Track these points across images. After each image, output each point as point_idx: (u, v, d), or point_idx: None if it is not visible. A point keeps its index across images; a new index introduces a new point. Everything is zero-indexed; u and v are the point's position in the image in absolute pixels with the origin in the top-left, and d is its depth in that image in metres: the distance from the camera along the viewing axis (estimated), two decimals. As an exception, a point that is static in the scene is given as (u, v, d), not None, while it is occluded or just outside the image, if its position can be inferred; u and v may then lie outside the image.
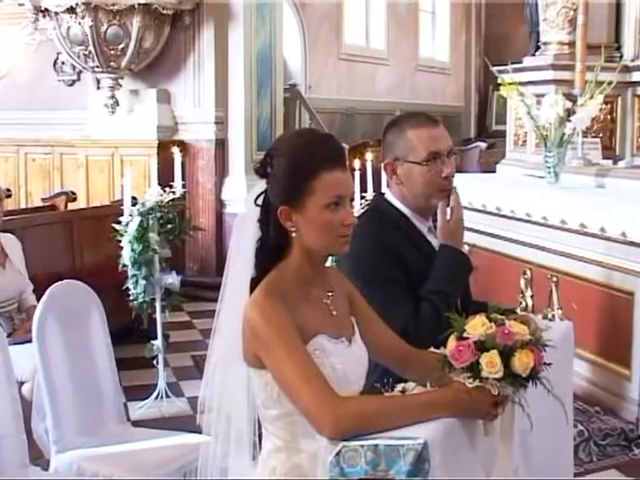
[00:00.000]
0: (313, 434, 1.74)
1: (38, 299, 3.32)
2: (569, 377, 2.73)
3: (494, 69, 5.91)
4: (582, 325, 3.77)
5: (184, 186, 5.18)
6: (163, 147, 7.39)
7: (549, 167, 5.46)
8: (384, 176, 2.59)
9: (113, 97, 7.83)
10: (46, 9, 7.63)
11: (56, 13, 7.56)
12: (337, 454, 1.63)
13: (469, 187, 5.16)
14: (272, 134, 8.18)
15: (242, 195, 7.00)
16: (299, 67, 10.90)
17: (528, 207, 5.37)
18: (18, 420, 2.93)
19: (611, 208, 4.74)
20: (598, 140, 6.21)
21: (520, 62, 6.59)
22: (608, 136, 6.39)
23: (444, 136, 2.49)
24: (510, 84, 5.47)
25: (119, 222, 4.81)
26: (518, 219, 5.48)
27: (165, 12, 7.66)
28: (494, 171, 7.16)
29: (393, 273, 2.38)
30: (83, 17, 7.43)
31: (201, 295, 6.84)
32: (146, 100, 8.01)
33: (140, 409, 4.78)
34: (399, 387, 1.92)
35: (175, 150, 5.27)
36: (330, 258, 2.18)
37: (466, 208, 2.56)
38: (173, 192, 4.95)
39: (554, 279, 4.32)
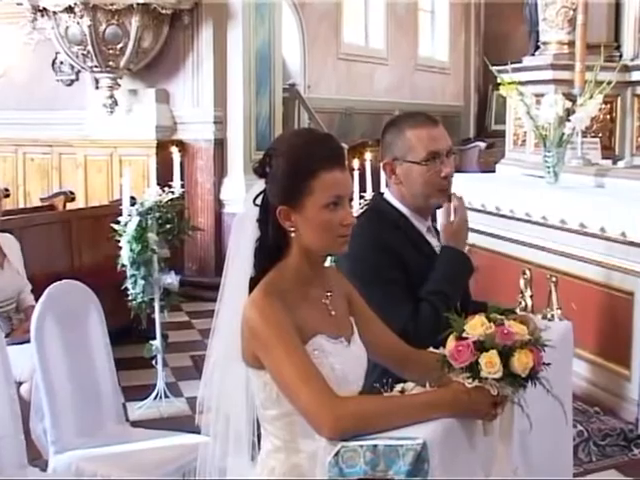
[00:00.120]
0: (312, 434, 1.74)
1: (36, 299, 3.32)
2: (568, 377, 2.73)
3: (493, 69, 5.90)
4: (581, 325, 3.76)
5: (183, 186, 5.18)
6: (162, 147, 7.38)
7: (548, 167, 5.46)
8: (383, 176, 2.60)
9: (112, 97, 7.82)
10: (44, 8, 7.62)
11: (54, 12, 7.56)
12: (336, 454, 1.63)
13: (468, 187, 5.16)
14: (271, 134, 8.16)
15: (241, 195, 6.96)
16: (298, 67, 10.89)
17: (527, 207, 5.36)
18: (16, 420, 2.93)
19: (611, 208, 4.74)
20: (597, 140, 6.20)
21: (519, 62, 6.58)
22: (607, 136, 6.38)
23: (443, 136, 2.49)
24: (509, 84, 5.46)
25: (118, 222, 4.81)
26: (517, 219, 5.47)
27: (164, 12, 7.65)
28: (493, 171, 7.14)
29: (392, 273, 2.38)
30: (82, 17, 7.43)
31: (200, 295, 6.83)
32: (145, 100, 8.00)
33: (139, 409, 4.78)
34: (398, 387, 1.92)
35: (174, 150, 5.27)
36: (329, 258, 2.18)
37: (466, 208, 2.55)
38: (172, 192, 4.95)
39: (553, 279, 4.29)
